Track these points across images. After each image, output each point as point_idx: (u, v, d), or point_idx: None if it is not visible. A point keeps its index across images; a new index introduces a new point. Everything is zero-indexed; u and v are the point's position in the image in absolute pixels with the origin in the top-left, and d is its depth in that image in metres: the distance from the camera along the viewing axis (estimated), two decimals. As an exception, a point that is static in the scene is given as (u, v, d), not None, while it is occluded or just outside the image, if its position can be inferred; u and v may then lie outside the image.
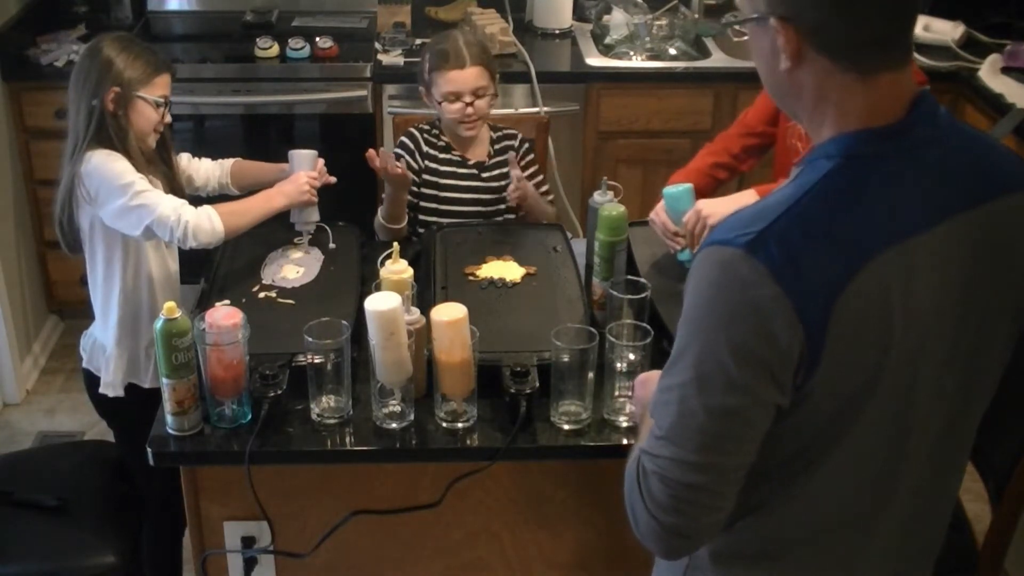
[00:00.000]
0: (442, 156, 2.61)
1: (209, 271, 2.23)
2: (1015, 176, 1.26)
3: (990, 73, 3.41)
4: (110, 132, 2.19)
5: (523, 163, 2.64)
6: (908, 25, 1.20)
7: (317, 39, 3.50)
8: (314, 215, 2.36)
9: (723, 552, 1.36)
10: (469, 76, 2.49)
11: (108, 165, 2.16)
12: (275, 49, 3.47)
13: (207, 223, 2.16)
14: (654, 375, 1.53)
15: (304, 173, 2.34)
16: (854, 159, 1.18)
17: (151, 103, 2.23)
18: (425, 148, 2.61)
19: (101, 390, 2.32)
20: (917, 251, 1.17)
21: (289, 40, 3.49)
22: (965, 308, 1.24)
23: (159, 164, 2.33)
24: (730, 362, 1.16)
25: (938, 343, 1.23)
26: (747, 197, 2.15)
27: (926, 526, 1.44)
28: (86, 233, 2.24)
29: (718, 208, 2.14)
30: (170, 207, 2.14)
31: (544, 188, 2.71)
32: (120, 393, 2.32)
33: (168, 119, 2.30)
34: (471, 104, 2.50)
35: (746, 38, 1.28)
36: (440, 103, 2.53)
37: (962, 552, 2.22)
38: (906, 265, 1.17)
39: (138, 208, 2.13)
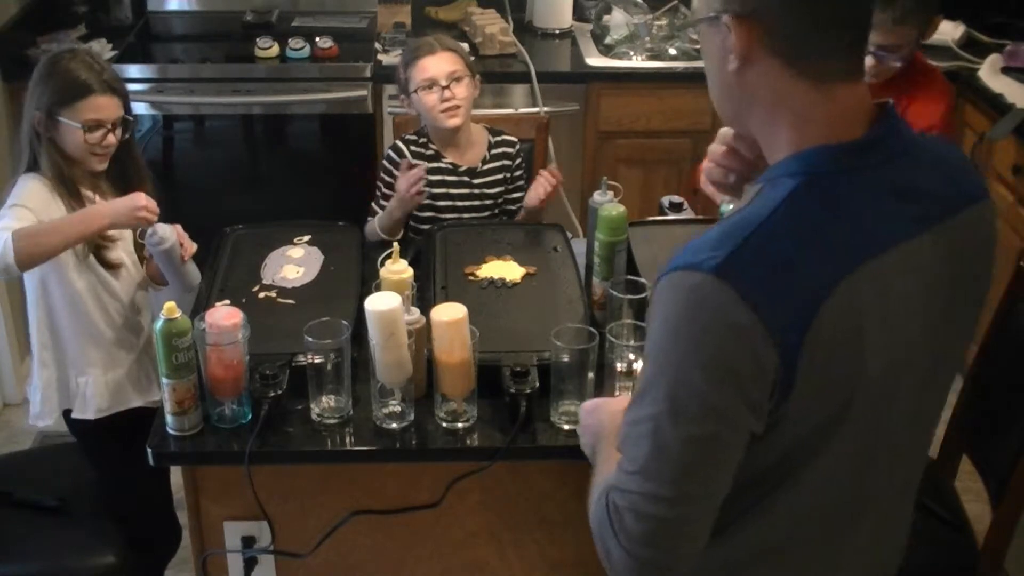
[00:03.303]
0: (431, 165, 2.58)
1: (209, 271, 2.23)
2: (976, 187, 1.26)
3: (990, 73, 3.41)
4: (40, 157, 2.17)
5: (515, 173, 2.64)
6: (864, 33, 1.18)
7: (317, 39, 3.50)
8: (167, 237, 2.20)
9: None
10: (441, 59, 2.50)
11: (16, 188, 2.15)
12: (275, 49, 3.47)
13: None
14: (603, 402, 1.51)
15: (141, 194, 2.14)
16: (819, 177, 1.15)
17: (75, 127, 2.15)
18: (413, 160, 2.58)
19: (30, 421, 2.32)
20: (887, 269, 1.15)
21: (289, 40, 3.49)
22: (936, 322, 1.23)
23: (117, 186, 2.27)
24: (705, 389, 1.12)
25: (915, 357, 1.22)
26: None
27: (893, 536, 1.42)
28: None
29: None
30: None
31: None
32: (49, 422, 2.30)
33: (112, 139, 2.19)
34: (447, 88, 2.49)
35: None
36: (417, 92, 2.51)
37: (962, 552, 2.22)
38: (878, 283, 1.15)
39: None
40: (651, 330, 1.18)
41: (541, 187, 2.52)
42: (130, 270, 2.31)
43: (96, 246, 2.21)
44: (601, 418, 1.47)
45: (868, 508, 1.31)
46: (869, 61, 2.24)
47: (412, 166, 2.47)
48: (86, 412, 2.27)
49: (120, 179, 2.29)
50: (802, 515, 1.27)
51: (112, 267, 2.25)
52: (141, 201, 2.10)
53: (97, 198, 2.23)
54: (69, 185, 2.19)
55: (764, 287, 1.10)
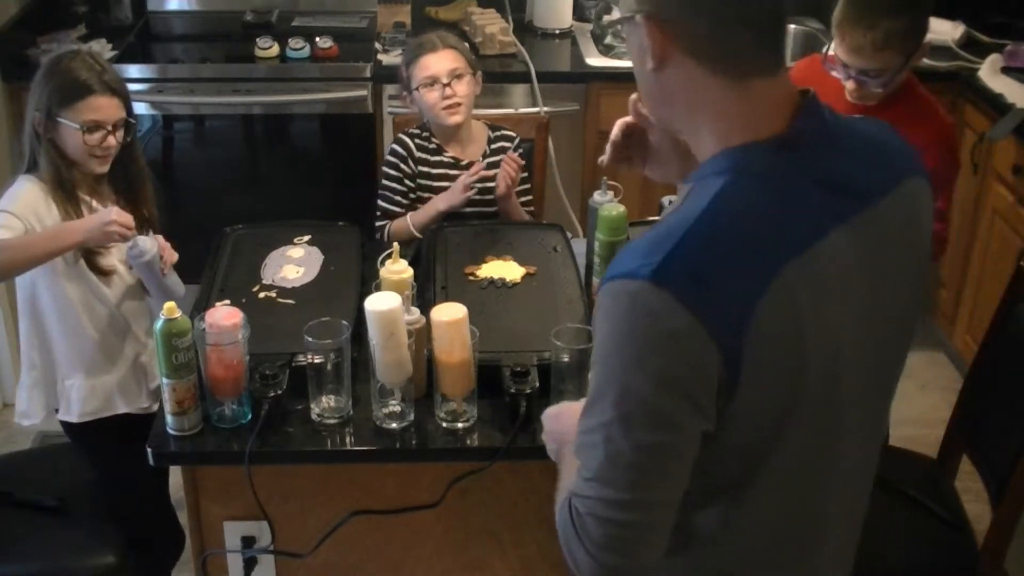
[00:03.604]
0: (434, 159, 2.61)
1: (209, 271, 2.23)
2: (906, 164, 1.27)
3: (990, 73, 3.41)
4: (39, 158, 2.14)
5: None
6: (776, 29, 1.17)
7: (317, 39, 3.50)
8: (148, 249, 2.15)
9: None
10: (443, 57, 2.51)
11: (10, 191, 2.13)
12: (275, 49, 3.47)
13: None
14: (566, 407, 1.52)
15: (115, 209, 2.11)
16: (744, 174, 1.16)
17: (74, 128, 2.12)
18: (417, 153, 2.61)
19: (16, 419, 2.30)
20: (820, 259, 1.15)
21: (289, 40, 3.49)
22: (874, 304, 1.22)
23: (118, 188, 2.25)
24: (652, 396, 1.13)
25: (858, 346, 1.22)
26: None
27: (855, 528, 1.43)
28: None
29: None
30: None
31: (527, 198, 2.71)
32: (35, 421, 2.29)
33: (112, 141, 2.17)
34: (448, 85, 2.50)
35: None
36: (419, 89, 2.52)
37: (962, 552, 2.22)
38: (811, 276, 1.14)
39: None
40: (596, 340, 1.18)
41: (503, 175, 2.54)
42: (123, 277, 2.28)
43: (88, 252, 2.18)
44: (563, 423, 1.47)
45: (829, 504, 1.32)
46: (851, 84, 2.24)
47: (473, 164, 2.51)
48: (70, 415, 2.27)
49: (121, 182, 2.26)
50: (768, 521, 1.28)
51: (104, 274, 2.22)
52: (111, 216, 2.05)
53: (95, 203, 2.22)
54: (67, 188, 2.17)
55: (699, 290, 1.10)
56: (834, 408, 1.23)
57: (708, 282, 1.11)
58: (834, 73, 2.25)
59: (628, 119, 1.53)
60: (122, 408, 2.29)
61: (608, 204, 2.18)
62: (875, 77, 2.19)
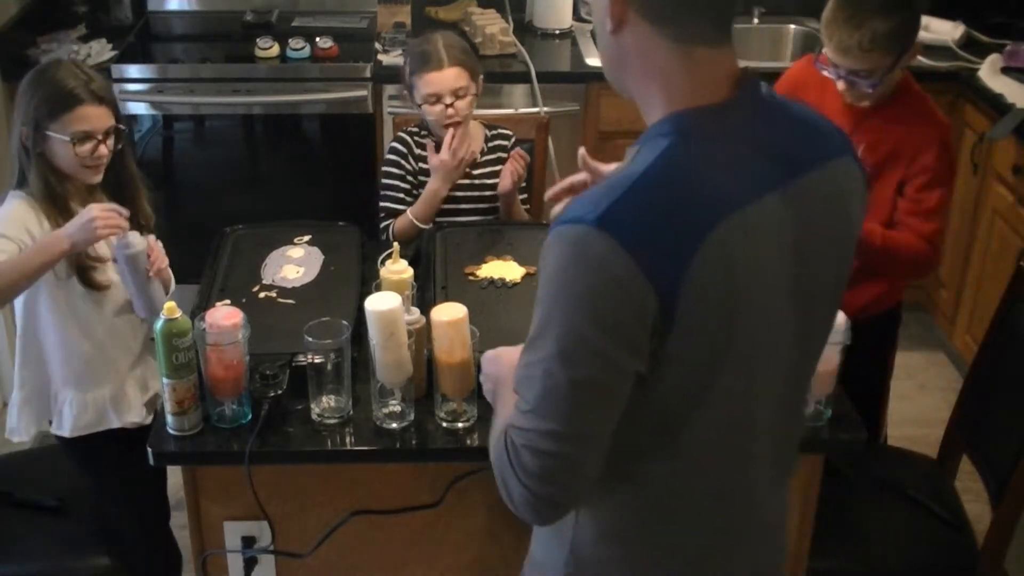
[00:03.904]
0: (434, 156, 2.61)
1: (209, 271, 2.23)
2: (836, 143, 1.34)
3: (990, 73, 3.41)
4: (29, 174, 2.09)
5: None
6: (726, 6, 1.25)
7: (317, 39, 3.50)
8: (135, 243, 2.09)
9: (606, 530, 1.41)
10: (448, 77, 2.49)
11: (2, 210, 2.09)
12: (275, 49, 3.47)
13: None
14: (503, 351, 1.58)
15: (95, 205, 2.03)
16: (688, 136, 1.24)
17: (64, 140, 2.06)
18: (417, 150, 2.61)
19: (7, 434, 2.27)
20: (753, 219, 1.24)
21: (289, 40, 3.49)
22: (803, 269, 1.30)
23: (111, 196, 2.18)
24: (591, 335, 1.21)
25: (787, 305, 1.30)
26: None
27: (781, 487, 1.51)
28: None
29: None
30: None
31: (523, 196, 2.71)
32: (25, 439, 2.26)
33: (104, 150, 2.11)
34: (451, 105, 2.50)
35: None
36: (421, 105, 2.54)
37: (962, 552, 2.22)
38: (745, 234, 1.23)
39: None
40: (541, 281, 1.27)
41: (509, 170, 2.54)
42: (118, 291, 2.22)
43: (81, 267, 2.13)
44: (501, 365, 1.55)
45: (754, 463, 1.40)
46: (841, 84, 2.24)
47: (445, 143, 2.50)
48: (62, 429, 2.24)
49: (115, 190, 2.21)
50: (700, 461, 1.35)
51: (98, 288, 2.18)
52: (92, 213, 1.99)
53: None
54: (59, 202, 2.11)
55: (641, 236, 1.19)
56: (760, 365, 1.31)
57: (649, 230, 1.19)
58: (825, 73, 2.25)
59: (578, 177, 1.71)
60: (115, 423, 2.25)
61: None
62: (865, 77, 2.19)
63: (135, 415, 2.28)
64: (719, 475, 1.38)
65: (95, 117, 2.09)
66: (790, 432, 1.47)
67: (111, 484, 2.30)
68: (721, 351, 1.27)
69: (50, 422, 2.27)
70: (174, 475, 2.33)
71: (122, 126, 2.19)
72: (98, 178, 2.15)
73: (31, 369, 2.23)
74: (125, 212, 2.06)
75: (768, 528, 1.50)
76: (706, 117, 1.25)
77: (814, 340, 1.41)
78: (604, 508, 1.40)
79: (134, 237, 2.10)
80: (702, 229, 1.20)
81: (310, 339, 1.81)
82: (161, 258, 2.17)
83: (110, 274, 2.21)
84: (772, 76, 2.50)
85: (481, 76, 2.59)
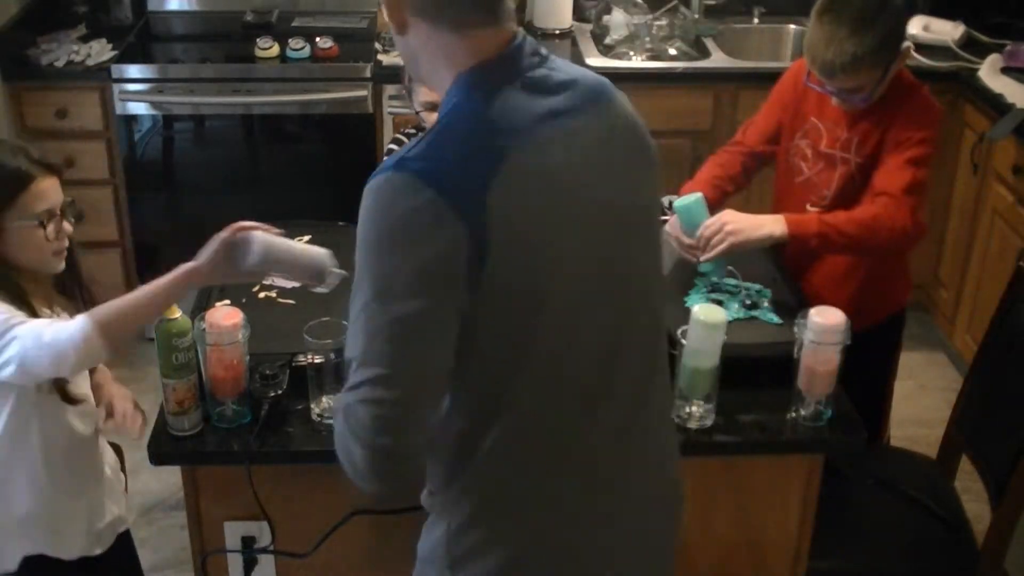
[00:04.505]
0: None
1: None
2: (604, 91, 1.45)
3: (990, 73, 3.42)
4: None
5: None
6: None
7: (317, 39, 3.50)
8: (328, 272, 1.80)
9: (471, 513, 1.44)
10: None
11: None
12: (275, 49, 3.47)
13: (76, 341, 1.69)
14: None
15: (220, 240, 1.78)
16: (470, 87, 1.36)
17: (31, 224, 1.76)
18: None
19: None
20: (543, 150, 1.34)
21: (289, 40, 3.49)
22: (604, 195, 1.40)
23: (66, 289, 1.92)
24: (404, 269, 1.27)
25: (595, 233, 1.39)
26: (775, 223, 2.14)
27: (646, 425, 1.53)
28: None
29: (742, 221, 2.13)
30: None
31: None
32: (10, 569, 1.92)
33: (68, 227, 1.82)
34: None
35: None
36: (419, 112, 2.54)
37: (962, 552, 2.22)
38: (538, 164, 1.33)
39: None
40: (358, 239, 1.32)
41: None
42: (89, 405, 1.98)
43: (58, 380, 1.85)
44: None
45: (592, 415, 1.43)
46: (835, 100, 2.24)
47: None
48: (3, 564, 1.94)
49: (67, 279, 1.93)
50: (538, 416, 1.39)
51: (72, 402, 1.90)
52: (217, 247, 1.76)
53: (55, 311, 1.89)
54: (27, 308, 1.79)
55: (439, 168, 1.28)
56: (580, 295, 1.38)
57: (447, 163, 1.29)
58: (818, 90, 2.25)
59: None
60: (64, 555, 1.96)
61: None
62: (855, 93, 2.19)
63: (87, 545, 2.00)
64: (552, 434, 1.41)
65: (52, 190, 1.81)
66: (646, 363, 1.50)
67: None
68: (537, 281, 1.33)
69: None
70: (174, 475, 2.33)
71: (70, 198, 1.89)
72: (62, 265, 1.87)
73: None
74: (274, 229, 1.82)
75: (639, 478, 1.51)
76: (486, 69, 1.36)
77: (639, 260, 1.47)
78: (462, 493, 1.43)
79: (315, 266, 1.80)
80: (495, 158, 1.30)
81: (310, 339, 1.81)
82: (134, 419, 1.98)
83: (84, 387, 1.97)
84: (772, 76, 2.50)
85: None
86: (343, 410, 1.34)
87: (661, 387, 1.54)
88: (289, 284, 2.14)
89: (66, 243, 1.85)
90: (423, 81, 1.52)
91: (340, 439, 1.37)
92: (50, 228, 1.80)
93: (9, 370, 1.72)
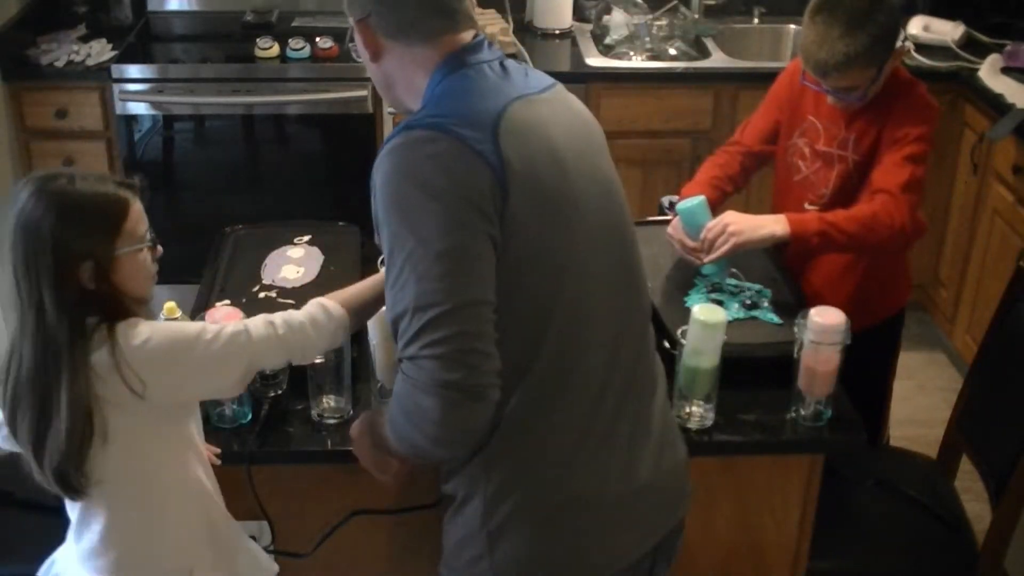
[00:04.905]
0: None
1: (209, 271, 2.23)
2: (556, 82, 1.60)
3: (990, 73, 3.41)
4: (97, 308, 1.58)
5: None
6: (446, 4, 1.50)
7: (317, 39, 3.50)
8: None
9: (504, 480, 1.50)
10: None
11: (160, 331, 1.60)
12: (275, 49, 3.47)
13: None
14: (361, 418, 1.69)
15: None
16: (455, 67, 1.49)
17: (140, 248, 1.62)
18: None
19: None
20: (531, 106, 1.49)
21: (289, 40, 3.49)
22: (584, 153, 1.54)
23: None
24: (440, 208, 1.37)
25: (590, 183, 1.52)
26: (776, 223, 2.14)
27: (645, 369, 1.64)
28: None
29: (744, 222, 2.13)
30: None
31: None
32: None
33: (160, 249, 1.69)
34: None
35: None
36: None
37: (962, 552, 2.22)
38: (533, 115, 1.48)
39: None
40: (379, 199, 1.43)
41: None
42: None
43: None
44: (360, 422, 1.68)
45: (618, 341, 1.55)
46: (830, 99, 2.24)
47: None
48: None
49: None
50: (557, 390, 1.49)
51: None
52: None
53: None
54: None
55: (450, 122, 1.41)
56: (591, 253, 1.50)
57: (453, 117, 1.42)
58: (814, 88, 2.25)
59: None
60: None
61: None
62: (851, 91, 2.19)
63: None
64: (575, 392, 1.49)
65: (143, 213, 1.66)
66: (645, 331, 1.63)
67: None
68: (559, 217, 1.46)
69: None
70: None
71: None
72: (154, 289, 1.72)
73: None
74: None
75: (644, 431, 1.60)
76: (457, 56, 1.50)
77: (629, 226, 1.62)
78: (489, 463, 1.49)
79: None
80: (495, 108, 1.44)
81: (310, 339, 1.81)
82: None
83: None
84: (772, 76, 2.50)
85: None
86: (406, 369, 1.38)
87: (653, 353, 1.67)
88: (290, 286, 2.14)
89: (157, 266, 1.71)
90: (399, 105, 1.61)
91: (405, 403, 1.40)
92: (157, 249, 1.68)
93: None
